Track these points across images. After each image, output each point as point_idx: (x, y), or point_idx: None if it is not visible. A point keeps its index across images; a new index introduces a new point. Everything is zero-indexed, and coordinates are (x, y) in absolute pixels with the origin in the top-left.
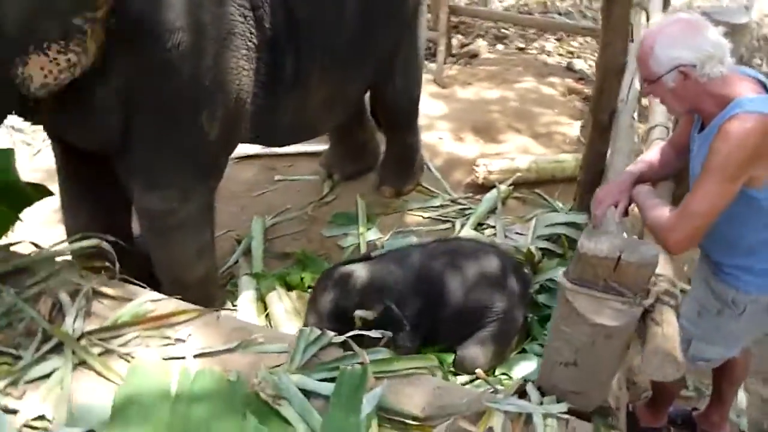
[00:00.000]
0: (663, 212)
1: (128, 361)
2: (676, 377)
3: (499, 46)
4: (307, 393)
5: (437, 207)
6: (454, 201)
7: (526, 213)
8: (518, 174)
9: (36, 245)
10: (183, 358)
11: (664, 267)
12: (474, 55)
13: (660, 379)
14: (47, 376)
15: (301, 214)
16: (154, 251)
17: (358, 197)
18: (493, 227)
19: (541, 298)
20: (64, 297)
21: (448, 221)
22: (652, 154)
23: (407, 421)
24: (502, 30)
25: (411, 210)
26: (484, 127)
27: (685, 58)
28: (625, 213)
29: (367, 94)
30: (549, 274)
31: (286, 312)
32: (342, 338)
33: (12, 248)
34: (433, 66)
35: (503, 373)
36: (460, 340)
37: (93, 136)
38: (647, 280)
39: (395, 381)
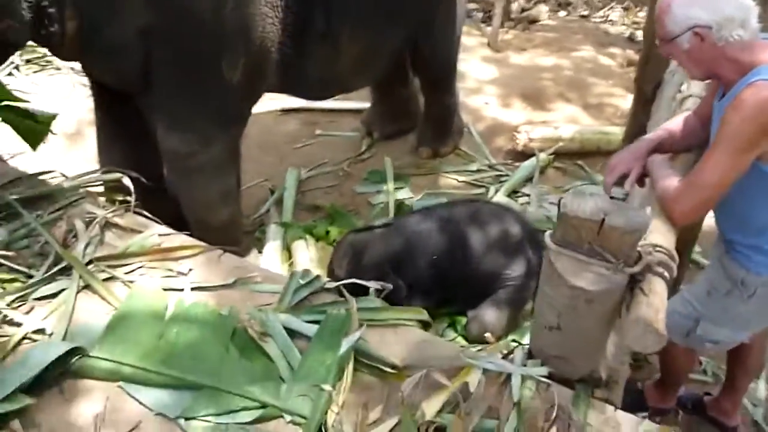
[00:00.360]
0: (672, 182)
1: (130, 288)
2: (656, 349)
3: (562, 13)
4: (293, 332)
5: (473, 171)
6: (491, 166)
7: (564, 184)
8: (560, 143)
9: (64, 175)
10: (181, 290)
11: (665, 237)
12: (533, 21)
13: (640, 350)
14: (54, 295)
15: (336, 169)
16: (177, 192)
17: (386, 157)
18: (528, 195)
19: None
20: (79, 224)
21: (482, 186)
22: (675, 122)
23: (384, 368)
24: None
25: (446, 172)
26: (533, 94)
27: (701, 18)
28: (641, 182)
29: None
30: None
31: (311, 261)
32: (335, 285)
33: (42, 177)
34: (488, 29)
35: (514, 340)
36: (474, 304)
37: (116, 76)
38: (633, 247)
39: (381, 329)
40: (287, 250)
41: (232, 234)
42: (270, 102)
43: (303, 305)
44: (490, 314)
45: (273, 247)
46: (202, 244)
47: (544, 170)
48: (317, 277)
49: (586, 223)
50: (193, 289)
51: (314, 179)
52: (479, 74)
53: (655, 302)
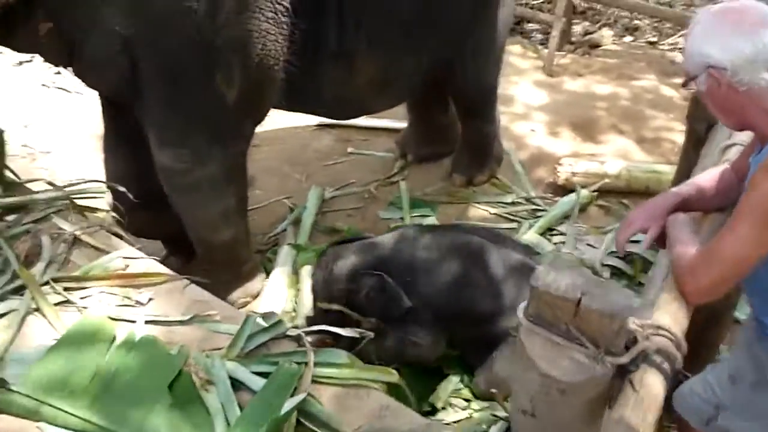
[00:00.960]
0: (688, 250)
1: (82, 314)
2: None
3: (628, 38)
4: (239, 384)
5: (507, 203)
6: (528, 199)
7: (606, 224)
8: (606, 180)
9: (52, 184)
10: (134, 321)
11: (675, 316)
12: (595, 45)
13: None
14: (3, 315)
15: (363, 190)
16: (176, 208)
17: (402, 182)
18: (564, 234)
19: None
20: (45, 240)
21: (515, 220)
22: (709, 176)
23: None
24: (636, 20)
25: (478, 202)
26: (584, 123)
27: (714, 57)
28: (662, 243)
29: None
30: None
31: None
32: (297, 332)
33: (31, 184)
34: (545, 52)
35: (494, 415)
36: (478, 349)
37: (104, 86)
38: (617, 333)
39: (339, 390)
40: (296, 274)
41: (236, 254)
42: (306, 116)
43: (257, 353)
44: (498, 368)
45: (281, 270)
46: (167, 272)
47: (585, 208)
48: (279, 322)
49: (560, 301)
50: (146, 322)
51: (338, 200)
52: (528, 99)
53: (645, 400)
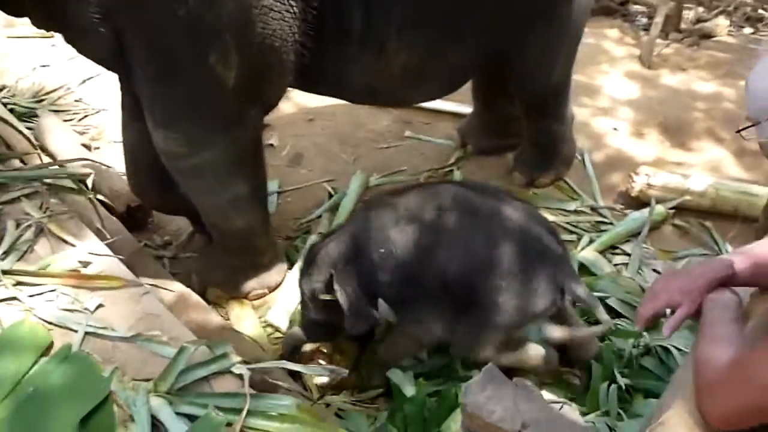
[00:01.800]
0: (717, 354)
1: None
2: None
3: (747, 30)
4: (162, 424)
5: (570, 212)
6: (593, 209)
7: (679, 248)
8: (687, 196)
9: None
10: (75, 331)
11: None
12: (706, 36)
13: None
14: None
15: (412, 179)
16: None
17: (456, 174)
18: (628, 255)
19: (646, 362)
20: (10, 225)
21: (574, 232)
22: None
23: None
24: (762, 10)
25: (537, 207)
26: (675, 125)
27: None
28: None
29: None
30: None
31: None
32: (245, 369)
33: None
34: (644, 39)
35: None
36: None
37: (92, 57)
38: None
39: None
40: None
41: (252, 243)
42: None
43: (193, 389)
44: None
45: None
46: (126, 276)
47: (658, 227)
48: (224, 355)
49: (492, 429)
50: (87, 333)
51: (383, 188)
52: (617, 92)
53: None
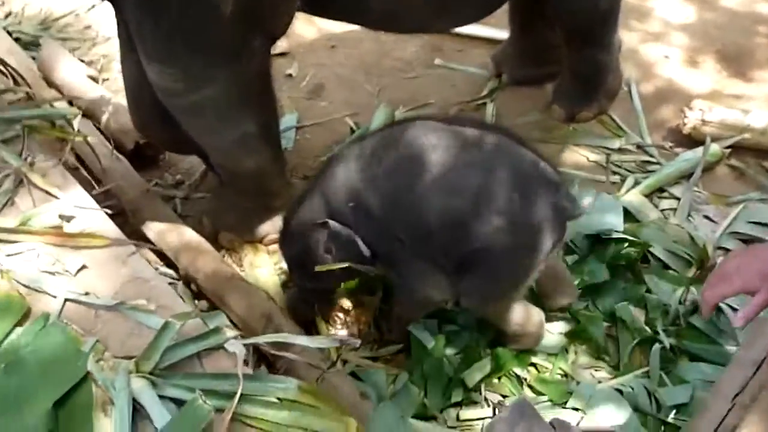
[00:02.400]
0: None
1: (1, 277)
2: None
3: None
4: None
5: (613, 150)
6: (639, 147)
7: (734, 192)
8: (746, 134)
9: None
10: (54, 296)
11: None
12: None
13: None
14: None
15: (441, 113)
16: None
17: (489, 106)
18: (677, 199)
19: (694, 320)
20: None
21: (617, 173)
22: None
23: None
24: None
25: (577, 144)
26: (735, 53)
27: None
28: None
29: None
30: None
31: None
32: (240, 346)
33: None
34: None
35: (574, 408)
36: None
37: None
38: None
39: None
40: None
41: (264, 185)
42: None
43: (182, 368)
44: None
45: None
46: (113, 234)
47: (712, 167)
48: (216, 329)
49: None
50: (67, 300)
51: None
52: (670, 15)
53: None
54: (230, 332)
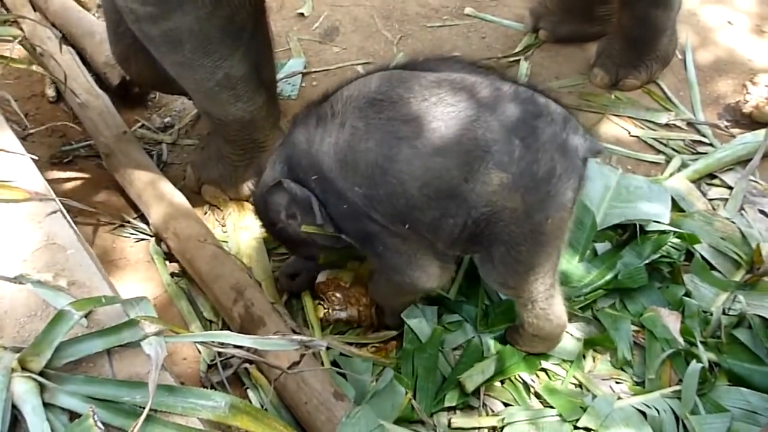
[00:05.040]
0: None
1: None
2: None
3: None
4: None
5: (660, 125)
6: (690, 124)
7: None
8: None
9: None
10: None
11: None
12: None
13: None
14: None
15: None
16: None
17: (523, 64)
18: (729, 189)
19: (738, 333)
20: None
21: (661, 152)
22: None
23: None
24: None
25: (619, 115)
26: None
27: None
28: None
29: None
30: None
31: None
32: (161, 345)
33: None
34: None
35: (587, 428)
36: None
37: None
38: None
39: None
40: None
41: (254, 136)
42: None
43: (84, 368)
44: None
45: None
46: (33, 187)
47: None
48: (131, 321)
49: None
50: None
51: None
52: None
53: None
54: (151, 327)
